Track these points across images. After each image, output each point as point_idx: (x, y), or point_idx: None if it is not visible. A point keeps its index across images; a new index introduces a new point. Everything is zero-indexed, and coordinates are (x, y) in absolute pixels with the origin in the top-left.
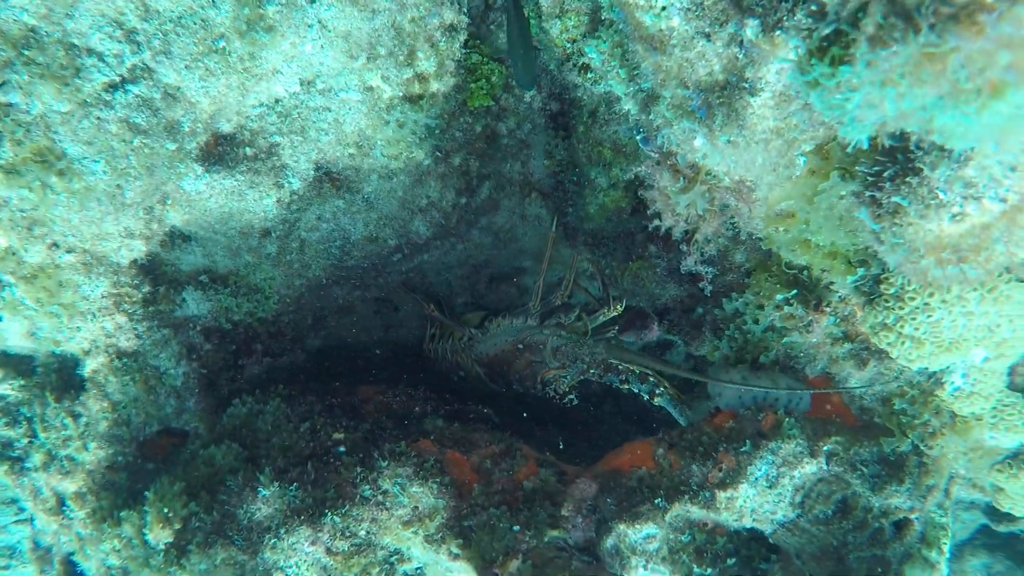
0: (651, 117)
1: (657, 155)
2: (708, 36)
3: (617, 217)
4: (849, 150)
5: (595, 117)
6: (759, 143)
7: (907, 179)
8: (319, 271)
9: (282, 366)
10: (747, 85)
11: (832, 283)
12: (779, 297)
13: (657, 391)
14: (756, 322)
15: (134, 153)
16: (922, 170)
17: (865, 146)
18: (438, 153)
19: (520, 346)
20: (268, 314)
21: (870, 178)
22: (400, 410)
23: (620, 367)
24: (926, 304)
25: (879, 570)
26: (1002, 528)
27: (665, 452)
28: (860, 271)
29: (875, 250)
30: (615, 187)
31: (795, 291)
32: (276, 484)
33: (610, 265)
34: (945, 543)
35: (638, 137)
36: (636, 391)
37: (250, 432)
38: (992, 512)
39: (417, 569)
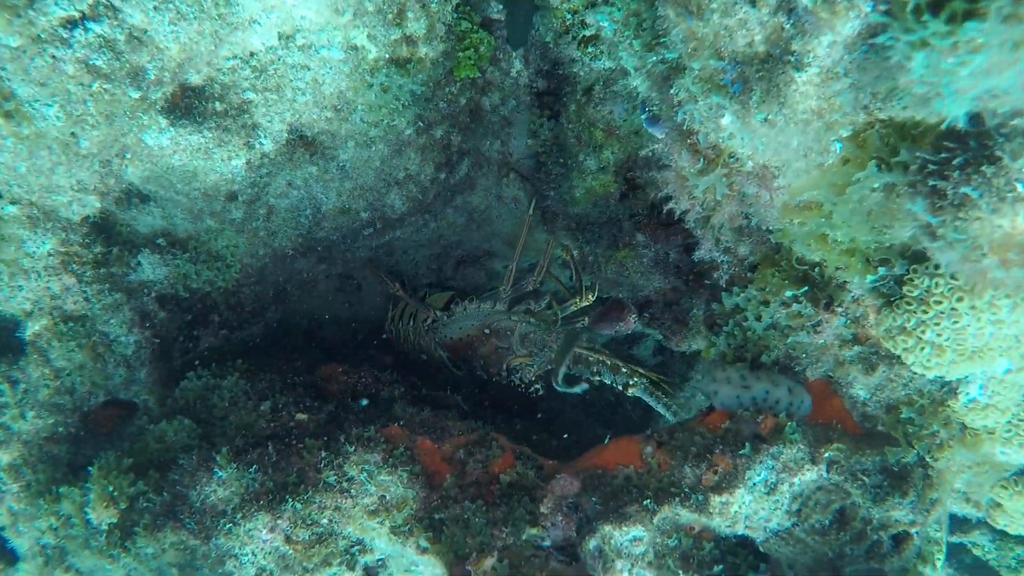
0: (672, 91)
1: (664, 137)
2: (753, 2)
3: (604, 202)
4: (944, 127)
5: (590, 96)
6: (798, 124)
7: (981, 168)
8: (286, 241)
9: (239, 340)
10: (793, 59)
11: (846, 282)
12: (788, 294)
13: (631, 382)
14: (758, 319)
15: (92, 99)
16: (1001, 159)
17: (961, 123)
18: (420, 123)
19: (487, 331)
20: (229, 284)
21: (932, 166)
22: (365, 392)
23: (591, 358)
24: (953, 309)
25: None
26: (953, 539)
27: (654, 451)
28: (881, 270)
29: (924, 246)
30: (604, 171)
31: (805, 288)
32: (234, 465)
33: (594, 252)
34: (939, 559)
35: (643, 117)
36: (609, 382)
37: (205, 408)
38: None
39: (379, 561)
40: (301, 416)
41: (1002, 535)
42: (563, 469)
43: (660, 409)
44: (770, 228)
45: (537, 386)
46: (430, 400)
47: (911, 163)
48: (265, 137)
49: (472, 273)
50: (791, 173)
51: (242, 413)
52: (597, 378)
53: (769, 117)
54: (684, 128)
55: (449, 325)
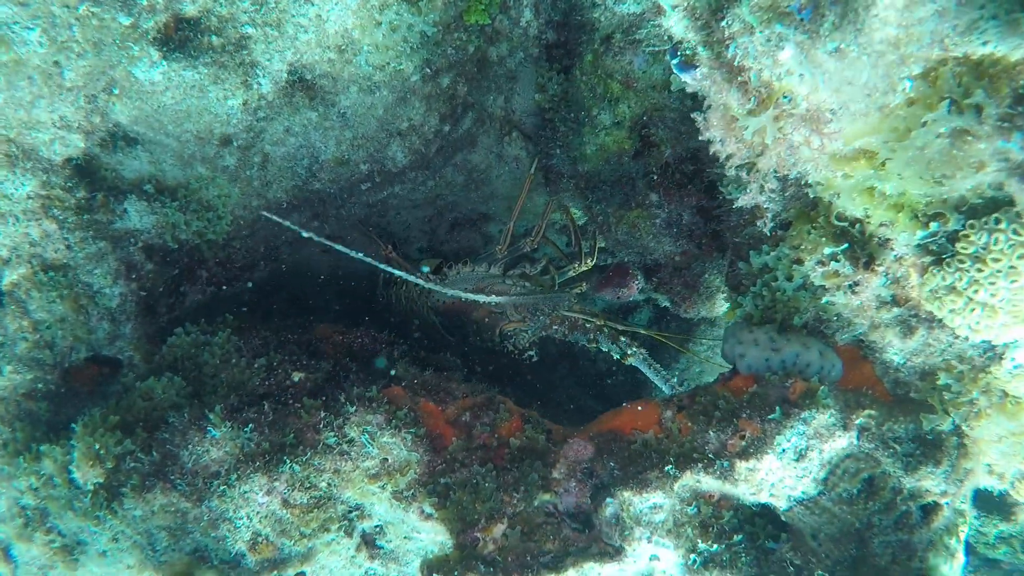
0: (724, 24)
1: (700, 81)
2: None
3: (617, 160)
4: None
5: (609, 44)
6: (871, 56)
7: None
8: (280, 193)
9: (226, 298)
10: None
11: (890, 239)
12: (826, 251)
13: (629, 351)
14: (789, 279)
15: (79, 24)
16: None
17: None
18: (427, 70)
19: None
20: (219, 237)
21: None
22: (363, 352)
23: (588, 325)
24: (1012, 267)
25: (904, 556)
26: None
27: (674, 415)
28: (933, 226)
29: (1009, 191)
30: (619, 126)
31: (846, 245)
32: (228, 424)
33: (604, 212)
34: (963, 531)
35: (674, 62)
36: (606, 350)
37: (194, 365)
38: None
39: (377, 527)
40: (298, 374)
41: (988, 511)
42: (575, 434)
43: (658, 381)
44: (809, 181)
45: (531, 352)
46: (431, 362)
47: (986, 105)
48: (264, 77)
49: (467, 236)
50: (847, 116)
51: (234, 371)
52: (595, 345)
53: (841, 47)
54: (735, 64)
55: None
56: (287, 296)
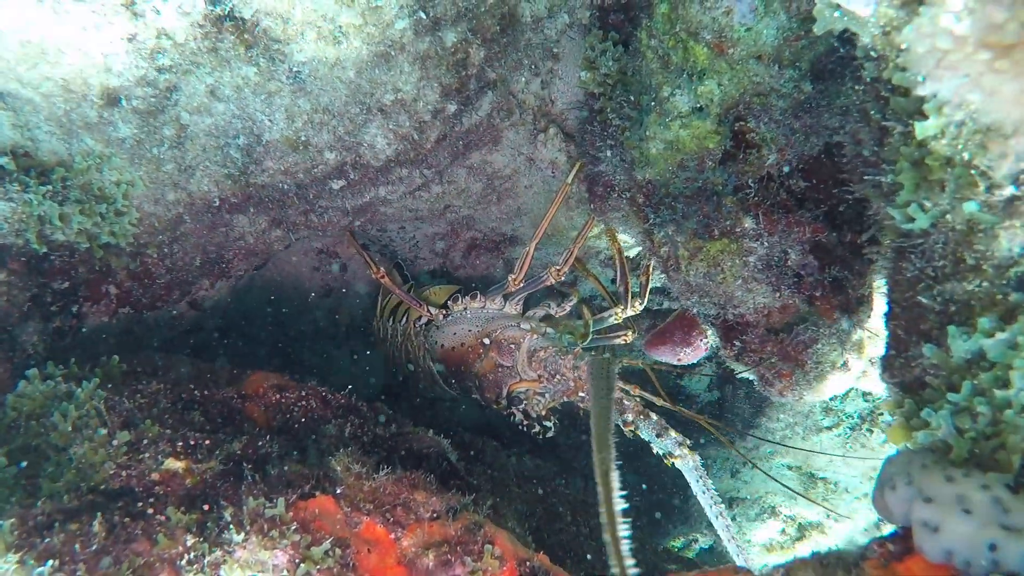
0: None
1: (877, 9)
2: None
3: (696, 164)
4: None
5: None
6: None
7: None
8: (208, 184)
9: (155, 323)
10: None
11: None
12: None
13: (676, 452)
14: None
15: None
16: None
17: None
18: (423, 15)
19: (485, 341)
20: (122, 240)
21: None
22: (303, 421)
23: (624, 401)
24: None
25: None
26: None
27: None
28: None
29: None
30: (702, 113)
31: None
32: (14, 556)
33: (671, 240)
34: None
35: None
36: (646, 439)
37: (43, 430)
38: None
39: None
40: (174, 464)
41: None
42: None
43: (710, 511)
44: None
45: (547, 424)
46: (399, 445)
47: None
48: (167, 2)
49: (488, 263)
50: None
51: (86, 446)
52: (631, 430)
53: None
54: None
55: (444, 327)
56: (262, 323)
